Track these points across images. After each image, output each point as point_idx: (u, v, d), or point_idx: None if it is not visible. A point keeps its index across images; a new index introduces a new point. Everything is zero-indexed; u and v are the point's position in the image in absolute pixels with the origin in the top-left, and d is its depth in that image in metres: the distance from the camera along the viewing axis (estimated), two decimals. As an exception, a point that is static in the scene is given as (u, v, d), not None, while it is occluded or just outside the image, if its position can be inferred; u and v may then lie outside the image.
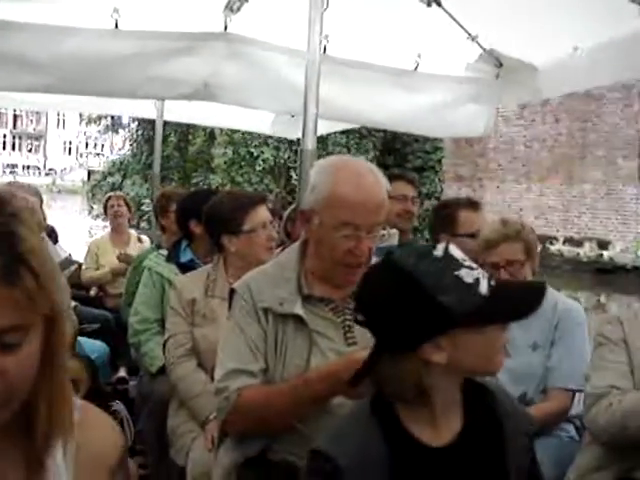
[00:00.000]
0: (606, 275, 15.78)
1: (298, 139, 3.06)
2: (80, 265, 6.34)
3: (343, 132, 14.21)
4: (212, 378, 2.46)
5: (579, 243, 17.00)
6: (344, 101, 4.44)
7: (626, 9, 3.52)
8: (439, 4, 3.91)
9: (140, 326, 3.75)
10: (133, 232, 6.55)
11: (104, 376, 4.51)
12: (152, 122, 20.19)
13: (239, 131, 15.63)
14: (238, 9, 3.98)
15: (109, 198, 6.67)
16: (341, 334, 2.22)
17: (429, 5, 3.88)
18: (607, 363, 2.56)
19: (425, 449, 1.66)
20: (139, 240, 6.42)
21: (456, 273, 1.58)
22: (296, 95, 3.34)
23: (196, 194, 4.22)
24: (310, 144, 3.09)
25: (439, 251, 1.61)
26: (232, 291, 2.30)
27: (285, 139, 15.06)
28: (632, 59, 3.82)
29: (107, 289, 6.03)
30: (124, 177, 23.97)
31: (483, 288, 1.59)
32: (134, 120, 23.52)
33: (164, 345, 3.25)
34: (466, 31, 4.24)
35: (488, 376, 1.79)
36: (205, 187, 14.75)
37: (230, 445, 2.29)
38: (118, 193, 6.99)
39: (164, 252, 4.02)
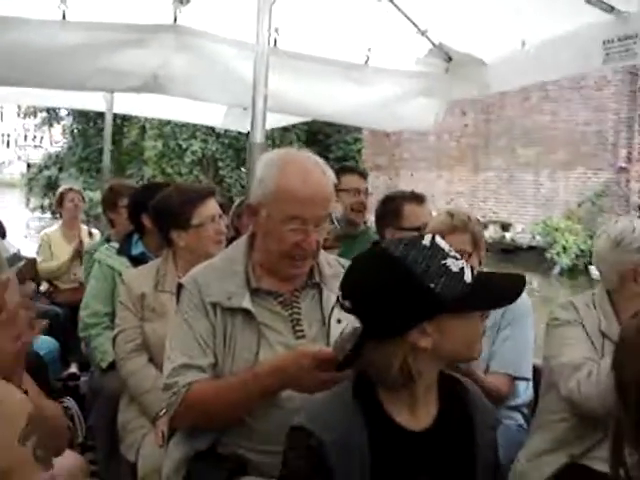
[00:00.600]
0: (508, 254, 16.67)
1: (225, 131, 3.07)
2: (30, 260, 6.24)
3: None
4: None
5: (485, 226, 18.07)
6: (295, 94, 4.45)
7: (572, 5, 3.59)
8: (389, -2, 3.93)
9: (90, 320, 3.71)
10: (84, 226, 6.45)
11: (54, 372, 4.46)
12: (86, 115, 19.77)
13: (169, 124, 16.02)
14: (188, 1, 3.96)
15: (67, 191, 6.54)
16: (289, 327, 2.23)
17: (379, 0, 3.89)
18: (573, 340, 2.61)
19: (404, 432, 1.72)
20: (90, 234, 6.34)
21: (443, 262, 1.66)
22: (246, 88, 3.33)
23: (147, 188, 4.18)
24: (259, 137, 3.09)
25: (426, 241, 1.69)
26: (180, 286, 2.28)
27: (213, 131, 15.85)
28: (578, 54, 3.89)
29: (57, 284, 5.95)
30: (60, 170, 24.08)
31: (468, 277, 1.67)
32: (69, 113, 23.37)
33: (114, 340, 3.22)
34: (416, 26, 4.27)
35: (468, 362, 1.90)
36: (154, 180, 15.08)
37: (180, 439, 2.28)
38: (75, 187, 6.86)
39: (115, 245, 3.98)
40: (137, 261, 3.65)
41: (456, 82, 4.70)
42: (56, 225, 6.50)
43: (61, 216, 6.48)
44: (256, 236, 2.30)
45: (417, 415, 1.75)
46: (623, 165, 14.46)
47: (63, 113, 25.61)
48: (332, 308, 2.23)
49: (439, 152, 19.18)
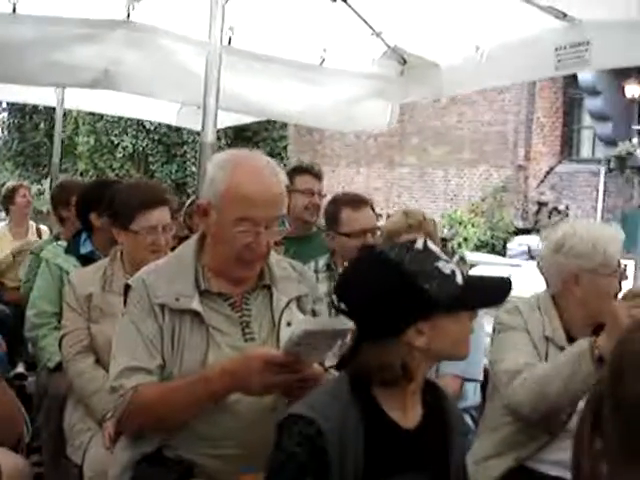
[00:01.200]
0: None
1: (155, 128, 3.03)
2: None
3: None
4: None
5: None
6: (249, 94, 4.43)
7: (526, 11, 3.62)
8: (344, 0, 3.93)
9: (37, 320, 3.64)
10: (32, 223, 6.33)
11: (1, 372, 4.36)
12: (22, 110, 20.15)
13: (101, 120, 16.45)
14: (142, -3, 3.91)
15: (18, 187, 6.41)
16: (239, 330, 2.21)
17: (334, 0, 3.89)
18: (516, 345, 2.62)
19: (397, 428, 1.79)
20: (38, 231, 6.23)
21: (436, 264, 1.76)
22: (199, 86, 3.30)
23: (96, 185, 4.11)
24: (210, 136, 3.07)
25: (419, 245, 1.78)
26: (127, 286, 2.25)
27: (143, 128, 16.30)
28: (531, 60, 3.94)
29: (4, 282, 5.82)
30: None
31: (459, 278, 1.77)
32: (4, 108, 23.47)
33: (60, 341, 3.16)
34: (371, 27, 4.28)
35: (456, 360, 1.98)
36: (88, 175, 15.74)
37: (126, 443, 2.25)
38: (25, 183, 6.73)
39: (63, 243, 3.91)
40: (86, 260, 3.58)
41: (410, 85, 4.73)
42: (2, 222, 6.37)
43: (8, 212, 6.35)
44: (206, 237, 2.27)
45: (407, 413, 1.81)
46: (522, 163, 15.68)
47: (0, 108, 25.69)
48: (282, 311, 2.22)
49: (358, 150, 20.19)
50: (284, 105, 4.67)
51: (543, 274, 2.72)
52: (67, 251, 3.75)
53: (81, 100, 6.32)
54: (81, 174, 17.64)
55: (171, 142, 17.21)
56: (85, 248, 3.74)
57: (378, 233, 3.55)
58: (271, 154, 15.54)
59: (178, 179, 17.72)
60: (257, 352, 2.03)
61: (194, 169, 16.45)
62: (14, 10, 3.72)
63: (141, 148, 16.79)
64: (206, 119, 3.07)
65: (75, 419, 3.06)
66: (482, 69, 4.23)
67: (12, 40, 3.75)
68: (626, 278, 2.70)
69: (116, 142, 17.73)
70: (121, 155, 16.60)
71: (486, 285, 1.87)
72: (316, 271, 3.61)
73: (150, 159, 17.12)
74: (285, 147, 18.61)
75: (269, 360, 1.96)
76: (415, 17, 4.08)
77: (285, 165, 16.71)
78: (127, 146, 17.10)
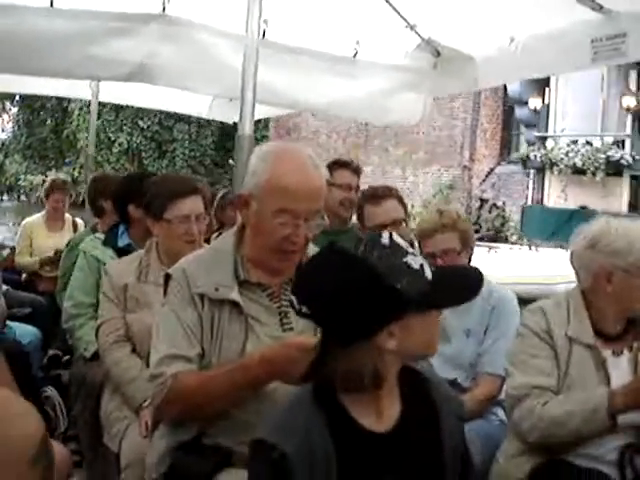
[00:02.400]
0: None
1: (148, 126, 3.02)
2: (13, 248, 6.19)
3: (186, 121, 17.77)
4: (147, 363, 2.44)
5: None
6: (282, 86, 4.43)
7: (562, 2, 3.60)
8: (379, -8, 3.92)
9: (74, 310, 3.69)
10: (68, 216, 6.39)
11: (36, 361, 4.42)
12: (31, 106, 22.09)
13: (100, 119, 17.54)
14: (177, -9, 3.93)
15: (54, 188, 6.44)
16: (277, 320, 2.23)
17: (369, -7, 3.89)
18: (528, 358, 2.60)
19: (370, 435, 1.69)
20: (74, 224, 6.29)
21: (404, 260, 1.63)
22: (234, 79, 3.31)
23: (134, 178, 4.14)
24: (248, 129, 3.08)
25: (385, 239, 1.65)
26: (167, 276, 2.28)
27: (137, 126, 17.87)
28: (566, 52, 3.90)
29: (40, 272, 5.91)
30: (6, 156, 25.79)
31: (428, 273, 1.65)
32: (14, 104, 25.50)
33: (97, 331, 3.20)
34: (405, 20, 4.27)
35: (425, 359, 1.85)
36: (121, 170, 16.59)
37: (164, 430, 2.28)
38: (61, 176, 6.78)
39: (101, 236, 3.95)
40: (123, 253, 3.62)
41: (444, 77, 4.71)
42: (39, 215, 6.43)
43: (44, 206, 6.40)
44: (245, 228, 2.29)
45: (381, 417, 1.72)
46: (467, 164, 17.26)
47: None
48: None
49: (329, 149, 20.86)
50: (317, 97, 4.67)
51: (574, 269, 2.70)
52: (105, 243, 3.80)
53: (114, 93, 6.38)
54: (81, 167, 18.86)
55: (162, 139, 18.63)
56: (122, 241, 3.79)
57: (403, 225, 3.54)
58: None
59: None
60: (296, 340, 2.05)
61: (183, 164, 18.07)
62: (51, 4, 3.75)
63: (135, 145, 18.35)
64: (244, 112, 3.08)
65: (112, 407, 3.10)
66: (517, 61, 4.20)
67: (49, 34, 3.78)
68: None
69: (113, 138, 19.29)
70: (117, 150, 18.13)
71: (456, 279, 1.76)
72: None
73: (143, 154, 18.65)
74: None
75: (306, 348, 1.97)
76: (449, 9, 4.07)
77: None
78: (122, 142, 18.59)
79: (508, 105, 16.38)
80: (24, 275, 6.04)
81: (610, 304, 2.59)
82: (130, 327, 3.10)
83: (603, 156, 11.56)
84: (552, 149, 13.25)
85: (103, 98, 6.45)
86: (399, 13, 4.18)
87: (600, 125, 13.05)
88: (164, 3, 3.97)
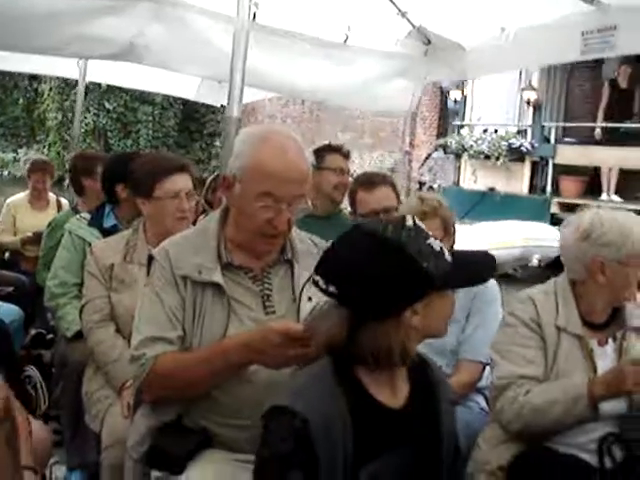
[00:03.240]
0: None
1: (114, 107, 2.98)
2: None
3: (150, 103, 19.11)
4: (130, 344, 2.44)
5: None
6: (272, 70, 4.42)
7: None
8: (371, -22, 3.91)
9: (58, 290, 3.66)
10: (52, 196, 6.34)
11: (18, 340, 4.41)
12: (4, 86, 22.81)
13: (68, 100, 18.83)
14: (167, -29, 3.90)
15: (34, 168, 6.38)
16: (260, 303, 2.23)
17: (361, -22, 3.87)
18: (514, 347, 2.61)
19: (385, 410, 1.76)
20: (58, 203, 6.24)
21: (427, 242, 1.71)
22: (223, 61, 3.30)
23: (122, 158, 4.10)
24: (235, 112, 3.07)
25: (410, 222, 1.73)
26: (151, 257, 2.27)
27: (103, 107, 18.86)
28: (557, 44, 3.91)
29: (23, 252, 5.87)
30: None
31: (448, 256, 1.73)
32: None
33: (81, 310, 3.19)
34: (396, 6, 4.26)
35: (437, 338, 1.89)
36: (127, 150, 17.12)
37: (146, 411, 2.28)
38: (44, 157, 6.71)
39: (87, 216, 3.93)
40: (108, 233, 3.60)
41: (434, 65, 4.71)
42: (22, 194, 6.37)
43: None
44: (229, 210, 2.29)
45: (395, 393, 1.80)
46: (407, 149, 18.30)
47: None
48: (303, 285, 2.23)
49: None
50: (307, 82, 4.66)
51: (564, 259, 2.71)
52: (91, 224, 3.77)
53: (102, 72, 6.33)
54: (49, 145, 20.10)
55: (127, 120, 19.55)
56: (109, 221, 3.77)
57: (394, 213, 3.54)
58: (213, 133, 20.43)
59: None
60: (276, 325, 2.05)
61: (146, 144, 19.28)
62: (41, -19, 3.72)
63: (101, 125, 19.20)
64: (232, 94, 3.07)
65: (94, 387, 3.10)
66: (507, 52, 4.21)
67: (37, 11, 3.74)
68: None
69: (80, 118, 18.94)
70: (84, 130, 18.36)
71: (472, 262, 1.84)
72: None
73: (109, 134, 19.53)
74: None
75: (288, 333, 1.97)
76: (441, -3, 4.07)
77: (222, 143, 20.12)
78: (89, 122, 19.23)
79: (444, 95, 17.29)
80: (7, 254, 6.00)
81: (601, 294, 2.61)
82: (115, 307, 3.09)
83: (505, 143, 13.21)
84: (465, 137, 14.34)
85: (91, 77, 6.40)
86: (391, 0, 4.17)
87: (508, 116, 14.53)
88: (155, -18, 3.93)
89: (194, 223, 3.32)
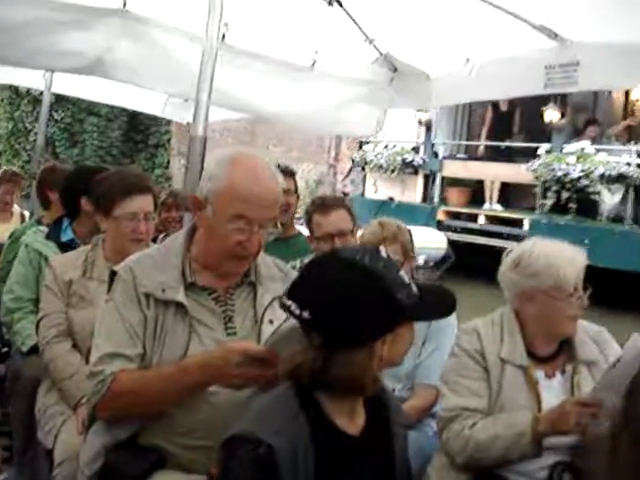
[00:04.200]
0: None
1: (62, 118, 2.93)
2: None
3: (96, 114, 20.74)
4: (87, 360, 2.41)
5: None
6: (239, 91, 4.44)
7: (518, 28, 3.67)
8: (340, 4, 3.95)
9: (13, 304, 3.61)
10: (17, 208, 6.26)
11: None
12: None
13: (18, 110, 20.55)
14: (138, -14, 3.91)
15: (5, 173, 6.31)
16: (221, 323, 2.23)
17: (330, 4, 3.91)
18: (461, 379, 2.63)
19: (344, 436, 1.75)
20: (22, 216, 6.17)
21: (399, 273, 1.72)
22: (190, 80, 3.31)
23: (86, 171, 4.07)
24: (201, 131, 3.07)
25: (383, 252, 1.73)
26: (113, 273, 2.26)
27: (52, 117, 19.51)
28: (520, 76, 3.98)
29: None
30: None
31: (414, 288, 1.73)
32: None
33: (37, 324, 3.15)
34: (364, 34, 4.31)
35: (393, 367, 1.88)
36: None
37: (100, 428, 2.25)
38: (14, 169, 6.62)
39: (44, 229, 3.89)
40: (66, 247, 3.57)
41: (399, 93, 4.76)
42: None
43: None
44: (197, 230, 2.29)
45: (354, 419, 1.79)
46: (332, 163, 19.61)
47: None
48: (265, 308, 2.25)
49: (221, 145, 22.73)
50: (273, 105, 4.69)
51: (504, 288, 2.72)
52: (48, 237, 3.73)
53: (68, 85, 6.29)
54: (0, 154, 21.13)
55: (74, 130, 20.95)
56: (66, 236, 3.73)
57: (349, 236, 3.56)
58: (157, 145, 21.90)
59: (79, 160, 20.48)
60: (236, 345, 2.06)
61: (92, 153, 20.83)
62: (10, -7, 3.70)
63: (49, 134, 19.89)
64: (198, 113, 3.07)
65: (48, 403, 3.05)
66: (471, 82, 4.26)
67: (6, 21, 3.72)
68: (584, 304, 2.60)
69: (29, 128, 21.29)
70: (33, 139, 19.14)
71: (435, 295, 1.83)
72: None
73: (57, 143, 20.87)
74: (169, 140, 21.96)
75: (249, 354, 1.98)
76: (408, 27, 4.11)
77: (168, 154, 21.41)
78: (38, 132, 20.12)
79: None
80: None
81: (536, 325, 2.62)
82: (72, 323, 3.05)
83: (400, 158, 15.20)
84: (367, 152, 16.25)
85: (56, 89, 6.36)
86: (359, 26, 4.22)
87: (407, 134, 16.21)
88: (125, -2, 3.94)
89: (154, 241, 3.31)
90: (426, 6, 3.69)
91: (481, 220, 13.71)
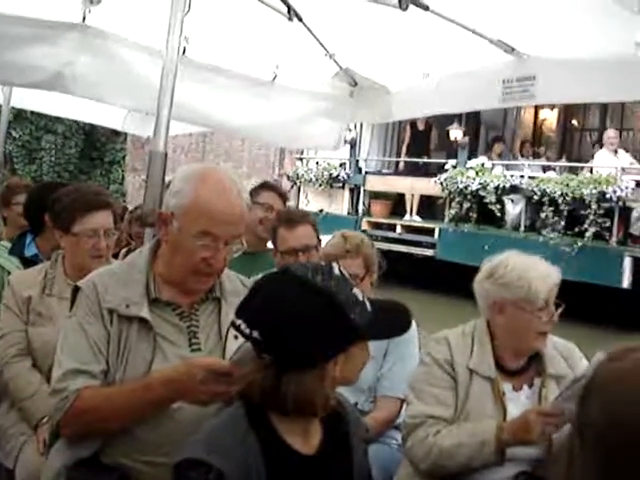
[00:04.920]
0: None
1: (20, 135, 2.90)
2: None
3: (53, 132, 21.53)
4: (47, 379, 2.38)
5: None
6: (199, 105, 4.42)
7: (476, 43, 3.72)
8: (300, 19, 3.97)
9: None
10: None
11: None
12: None
13: None
14: (98, 2, 3.88)
15: None
16: (186, 339, 2.22)
17: (290, 19, 3.93)
18: (428, 387, 2.65)
19: (298, 457, 1.72)
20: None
21: (352, 291, 1.68)
22: (150, 94, 3.30)
23: (48, 186, 4.05)
24: (161, 146, 3.06)
25: (337, 270, 1.70)
26: (76, 288, 2.24)
27: (10, 134, 20.11)
28: (478, 90, 4.03)
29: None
30: None
31: (368, 306, 1.70)
32: None
33: (-4, 344, 3.11)
34: (324, 48, 4.33)
35: (348, 386, 1.87)
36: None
37: (62, 447, 2.22)
38: None
39: (7, 244, 3.85)
40: (29, 263, 3.54)
41: (360, 107, 4.79)
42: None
43: None
44: (161, 246, 2.28)
45: (309, 439, 1.76)
46: (277, 178, 20.17)
47: None
48: (230, 324, 2.23)
49: (175, 161, 22.78)
50: (234, 118, 4.68)
51: (477, 299, 2.75)
52: (11, 252, 3.70)
53: (27, 99, 6.23)
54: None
55: (32, 148, 21.84)
56: (29, 251, 3.71)
57: (313, 252, 3.56)
58: (112, 161, 22.82)
59: (36, 177, 21.35)
60: (200, 360, 2.05)
61: (49, 169, 21.50)
62: (-31, 6, 3.66)
63: (8, 151, 20.66)
64: (158, 128, 3.06)
65: (8, 423, 3.01)
66: (431, 96, 4.31)
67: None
68: (555, 320, 2.64)
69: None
70: None
71: (390, 312, 1.81)
72: None
73: (15, 160, 21.73)
74: (124, 157, 22.64)
75: (213, 369, 1.97)
76: (368, 41, 4.15)
77: (123, 170, 22.35)
78: None
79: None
80: None
81: (506, 337, 2.65)
82: (32, 341, 3.02)
83: (327, 173, 16.77)
84: (298, 167, 17.87)
85: (15, 104, 6.29)
86: (319, 41, 4.24)
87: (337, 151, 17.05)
88: (85, 13, 3.91)
89: (116, 256, 3.29)
90: (385, 21, 3.72)
91: (399, 229, 15.32)
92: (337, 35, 4.21)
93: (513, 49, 3.74)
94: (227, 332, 2.22)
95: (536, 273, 2.58)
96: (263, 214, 4.22)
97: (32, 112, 19.97)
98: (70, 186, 3.40)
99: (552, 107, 16.46)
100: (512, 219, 13.27)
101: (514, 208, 13.19)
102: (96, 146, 22.74)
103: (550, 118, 17.25)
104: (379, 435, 3.18)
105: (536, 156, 15.42)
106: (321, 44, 4.28)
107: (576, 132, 17.36)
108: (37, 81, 4.02)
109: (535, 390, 2.67)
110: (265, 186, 4.45)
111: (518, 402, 2.64)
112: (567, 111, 16.78)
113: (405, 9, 3.46)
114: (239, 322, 1.70)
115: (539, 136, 17.35)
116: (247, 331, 1.68)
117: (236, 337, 2.18)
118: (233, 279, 2.39)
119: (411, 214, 15.29)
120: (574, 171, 12.98)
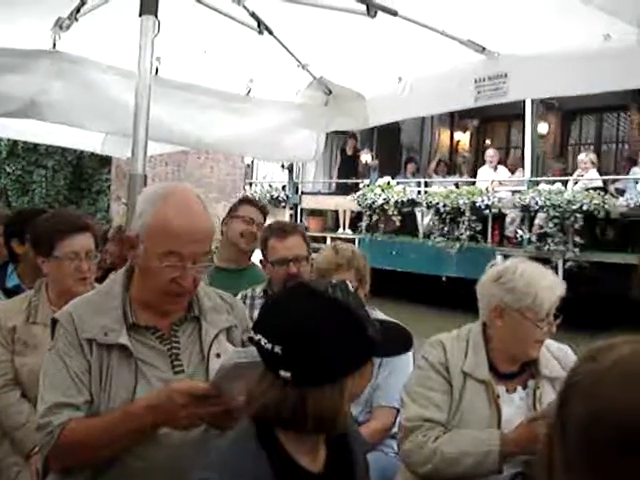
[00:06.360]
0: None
1: (13, 170, 2.88)
2: None
3: (44, 167, 22.90)
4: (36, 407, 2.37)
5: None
6: (176, 123, 4.42)
7: (447, 45, 3.74)
8: (270, 32, 3.97)
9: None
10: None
11: None
12: None
13: None
14: (68, 27, 3.87)
15: None
16: (168, 362, 2.20)
17: (261, 33, 3.93)
18: (424, 391, 2.66)
19: (307, 474, 1.70)
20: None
21: (365, 308, 1.68)
22: (126, 116, 3.30)
23: (18, 214, 4.04)
24: (140, 168, 3.06)
25: (350, 286, 1.71)
26: (54, 321, 2.21)
27: (4, 170, 22.16)
28: (452, 91, 4.05)
29: None
30: None
31: (377, 323, 1.70)
32: None
33: (-17, 376, 3.09)
34: (297, 59, 4.34)
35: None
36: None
37: (55, 477, 2.20)
38: None
39: (-11, 275, 3.83)
40: (11, 294, 3.51)
41: (335, 115, 4.80)
42: None
43: None
44: (134, 270, 2.26)
45: (315, 456, 1.74)
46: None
47: None
48: (211, 342, 2.22)
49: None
50: (211, 135, 4.67)
51: (479, 299, 2.75)
52: None
53: (6, 127, 6.20)
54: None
55: (25, 181, 23.02)
56: (11, 281, 3.69)
57: (304, 262, 3.57)
58: (99, 191, 23.76)
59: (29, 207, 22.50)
60: (178, 385, 2.03)
61: (40, 200, 22.32)
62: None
63: (3, 185, 22.79)
64: (136, 149, 3.06)
65: (1, 454, 3.00)
66: (405, 100, 4.33)
67: None
68: (552, 331, 2.64)
69: None
70: None
71: (394, 332, 1.80)
72: (253, 298, 3.66)
73: (9, 192, 23.07)
74: (109, 186, 23.59)
75: (192, 393, 1.96)
76: (340, 49, 4.16)
77: (108, 199, 23.31)
78: None
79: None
80: None
81: (500, 342, 2.66)
82: (19, 371, 3.00)
83: (268, 195, 19.31)
84: (247, 190, 20.35)
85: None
86: (291, 53, 4.25)
87: (283, 175, 20.50)
88: (55, 39, 3.90)
89: (100, 279, 3.28)
90: (356, 29, 3.73)
91: (328, 241, 16.22)
92: (309, 46, 4.22)
93: (484, 48, 3.77)
94: (209, 351, 2.21)
95: (544, 283, 2.58)
96: (244, 227, 4.24)
97: (24, 149, 22.01)
98: (46, 212, 3.39)
99: (465, 130, 20.19)
100: (424, 228, 15.30)
101: (425, 219, 15.29)
102: (84, 177, 24.00)
103: (463, 139, 20.31)
104: (376, 444, 3.18)
105: (451, 174, 17.71)
106: (293, 55, 4.29)
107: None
108: (12, 110, 4.00)
109: (529, 392, 2.67)
110: (244, 201, 4.49)
111: (512, 404, 2.64)
112: (478, 133, 20.16)
113: (374, 16, 3.49)
114: (258, 337, 1.66)
115: (455, 155, 20.04)
116: (269, 346, 1.62)
117: (218, 355, 2.18)
118: (212, 296, 2.36)
119: (344, 228, 17.57)
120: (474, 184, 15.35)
